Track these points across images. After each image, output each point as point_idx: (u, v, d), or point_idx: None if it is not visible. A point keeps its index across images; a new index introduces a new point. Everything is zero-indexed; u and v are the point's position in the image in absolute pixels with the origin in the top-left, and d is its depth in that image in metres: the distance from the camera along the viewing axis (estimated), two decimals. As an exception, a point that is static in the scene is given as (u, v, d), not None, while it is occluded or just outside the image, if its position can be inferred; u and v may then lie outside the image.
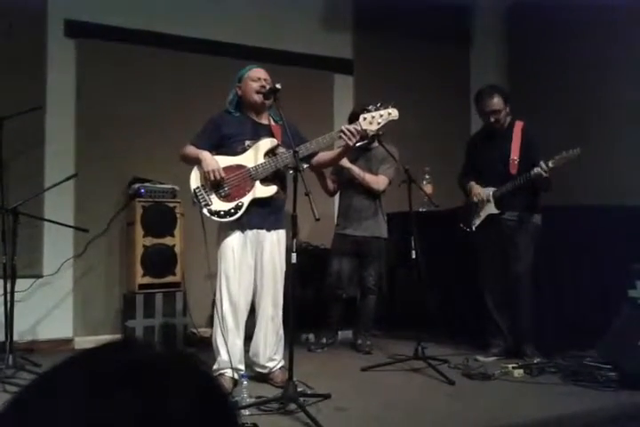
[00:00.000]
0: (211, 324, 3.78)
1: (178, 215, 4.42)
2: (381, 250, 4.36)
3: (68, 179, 3.95)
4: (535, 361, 3.63)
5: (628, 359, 3.22)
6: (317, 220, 2.72)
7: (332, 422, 2.63)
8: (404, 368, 3.65)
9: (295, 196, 2.93)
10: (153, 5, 4.79)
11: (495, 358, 3.89)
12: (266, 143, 3.28)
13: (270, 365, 3.37)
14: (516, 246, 3.86)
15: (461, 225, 4.09)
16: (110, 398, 0.54)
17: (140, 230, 4.32)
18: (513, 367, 3.52)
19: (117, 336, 4.31)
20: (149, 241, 4.34)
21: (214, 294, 3.32)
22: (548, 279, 3.98)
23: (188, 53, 4.90)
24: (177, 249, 4.41)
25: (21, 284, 3.94)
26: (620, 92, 5.06)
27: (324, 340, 4.40)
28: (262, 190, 3.24)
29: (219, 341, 3.22)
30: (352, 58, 5.71)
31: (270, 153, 3.28)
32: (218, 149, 3.30)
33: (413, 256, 3.78)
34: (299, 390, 2.91)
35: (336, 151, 3.48)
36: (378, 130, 3.47)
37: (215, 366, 3.22)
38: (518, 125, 3.94)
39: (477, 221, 4.01)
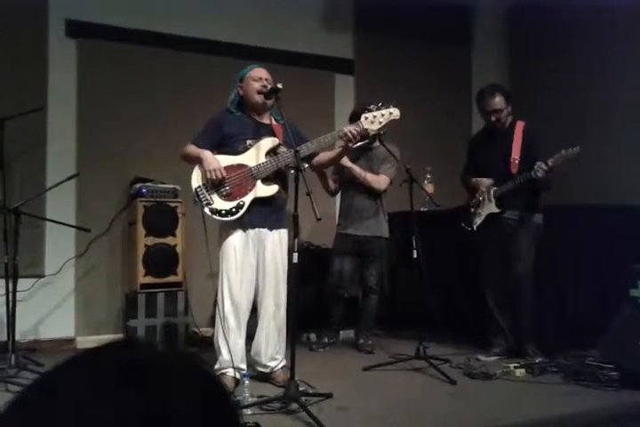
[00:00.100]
0: (212, 323, 3.78)
1: (179, 215, 4.42)
2: (383, 250, 4.36)
3: (69, 178, 3.96)
4: (537, 361, 3.64)
5: (629, 359, 3.22)
6: (319, 219, 2.72)
7: (333, 422, 2.63)
8: (405, 368, 3.65)
9: (296, 195, 2.94)
10: (153, 5, 4.79)
11: (497, 357, 3.89)
12: (267, 143, 3.28)
13: (272, 364, 3.37)
14: (518, 246, 3.86)
15: (462, 224, 4.09)
16: (112, 397, 0.54)
17: (141, 230, 4.32)
18: (514, 367, 3.52)
19: (119, 336, 4.32)
20: (151, 241, 4.35)
21: (216, 294, 3.33)
22: (548, 279, 3.98)
23: (189, 53, 4.90)
24: (178, 249, 4.41)
25: (23, 283, 3.94)
26: (619, 91, 5.06)
27: (326, 339, 4.40)
28: (264, 190, 3.24)
29: (220, 340, 3.22)
30: (353, 58, 5.71)
31: (271, 152, 3.28)
32: (219, 149, 3.31)
33: (415, 256, 3.77)
34: (300, 389, 2.91)
35: (336, 151, 3.48)
36: (379, 129, 3.47)
37: (217, 366, 3.23)
38: (520, 125, 3.95)
39: (478, 221, 4.01)
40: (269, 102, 3.32)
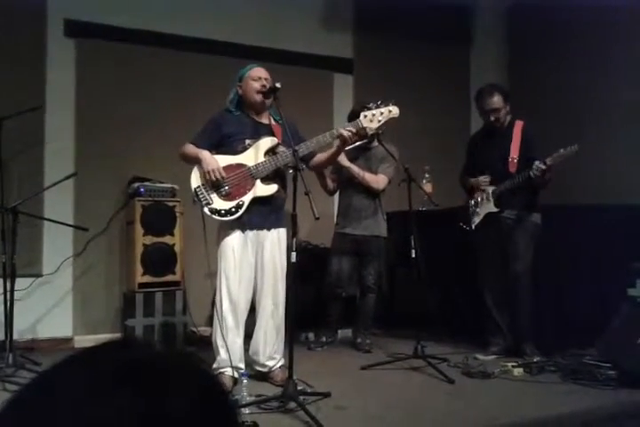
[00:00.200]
0: (210, 323, 3.78)
1: (177, 214, 4.42)
2: (381, 249, 4.36)
3: (67, 178, 3.95)
4: (535, 360, 3.64)
5: (627, 358, 3.22)
6: (317, 219, 2.72)
7: (331, 421, 2.63)
8: (403, 367, 3.65)
9: (295, 195, 2.94)
10: (152, 5, 4.79)
11: (495, 356, 3.89)
12: (266, 142, 3.28)
13: (270, 363, 3.37)
14: (516, 245, 3.86)
15: (461, 224, 4.09)
16: (110, 397, 0.54)
17: (139, 229, 4.32)
18: (512, 366, 3.52)
19: (117, 335, 4.31)
20: (149, 240, 4.34)
21: (214, 293, 3.33)
22: (547, 278, 3.98)
23: (188, 53, 4.90)
24: (177, 248, 4.41)
25: (21, 283, 3.94)
26: (619, 91, 5.06)
27: (324, 338, 4.41)
28: (263, 189, 3.24)
29: (219, 339, 3.22)
30: (352, 57, 5.70)
31: (270, 152, 3.28)
32: (218, 149, 3.31)
33: (413, 255, 3.77)
34: (299, 388, 2.91)
35: (330, 151, 3.47)
36: (378, 128, 3.47)
37: (215, 365, 3.23)
38: (518, 125, 3.95)
39: (477, 220, 4.01)
40: (268, 102, 3.32)
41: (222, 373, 3.20)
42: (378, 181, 4.23)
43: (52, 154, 4.49)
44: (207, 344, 3.46)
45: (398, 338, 4.40)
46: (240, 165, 3.25)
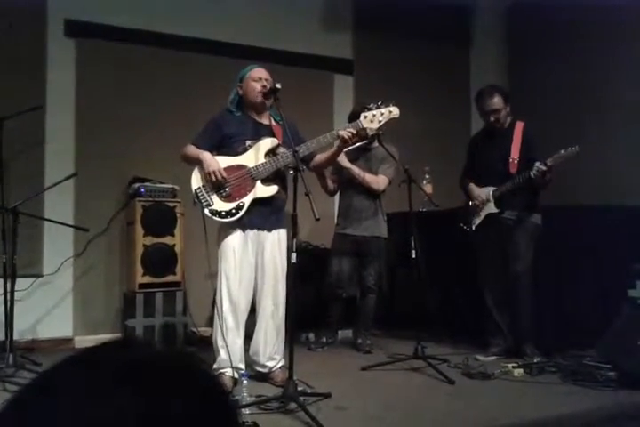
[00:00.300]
0: (211, 323, 3.78)
1: (178, 215, 4.42)
2: (381, 250, 4.36)
3: (67, 178, 3.96)
4: (535, 361, 3.63)
5: (627, 359, 3.22)
6: (317, 219, 2.72)
7: (332, 422, 2.63)
8: (403, 368, 3.65)
9: (295, 195, 2.94)
10: (153, 5, 4.79)
11: (495, 357, 3.89)
12: (266, 143, 3.28)
13: (270, 364, 3.37)
14: (516, 246, 3.86)
15: (461, 224, 4.09)
16: (110, 397, 0.54)
17: (140, 230, 4.32)
18: (513, 367, 3.52)
19: (117, 335, 4.31)
20: (149, 240, 4.34)
21: (214, 294, 3.33)
22: (547, 279, 3.98)
23: (188, 53, 4.90)
24: (177, 248, 4.41)
25: (21, 283, 3.94)
26: (619, 91, 5.06)
27: (325, 339, 4.41)
28: (263, 190, 3.24)
29: (219, 340, 3.22)
30: (352, 58, 5.71)
31: (271, 153, 3.28)
32: (219, 149, 3.31)
33: (413, 256, 3.77)
34: (299, 389, 2.91)
35: (330, 151, 3.46)
36: (379, 128, 3.47)
37: (215, 366, 3.23)
38: (519, 126, 3.95)
39: (477, 221, 4.01)
40: (268, 102, 3.32)
41: (222, 373, 3.20)
42: (378, 181, 4.23)
43: (53, 154, 4.49)
44: (207, 345, 3.46)
45: (398, 339, 4.40)
46: (240, 167, 3.25)
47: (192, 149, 3.29)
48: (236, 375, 3.17)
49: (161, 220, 4.38)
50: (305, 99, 4.99)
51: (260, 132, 3.33)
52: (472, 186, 4.06)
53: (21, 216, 3.65)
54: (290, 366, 2.88)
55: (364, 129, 3.40)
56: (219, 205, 3.21)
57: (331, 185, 4.39)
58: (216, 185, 3.20)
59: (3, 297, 3.59)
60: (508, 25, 6.27)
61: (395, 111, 3.23)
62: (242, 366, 3.26)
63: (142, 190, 4.38)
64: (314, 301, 4.57)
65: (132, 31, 4.72)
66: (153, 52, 4.80)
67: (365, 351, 4.21)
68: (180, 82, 4.85)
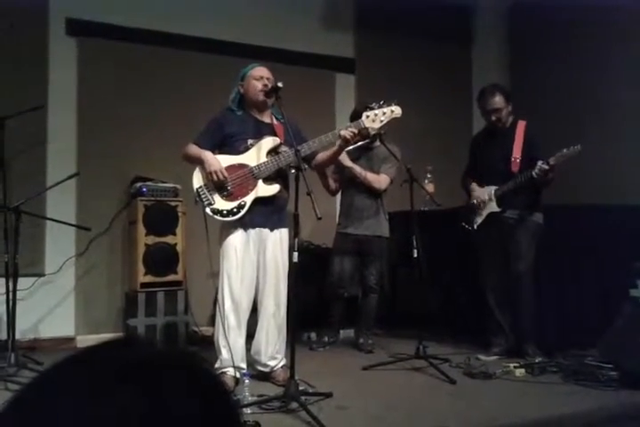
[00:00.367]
0: (212, 322, 3.79)
1: (180, 214, 4.42)
2: (383, 249, 4.36)
3: (70, 177, 3.96)
4: (536, 360, 3.63)
5: (629, 359, 3.22)
6: (319, 219, 2.72)
7: (333, 421, 2.63)
8: (405, 367, 3.65)
9: (297, 195, 2.94)
10: (154, 4, 4.79)
11: (496, 357, 3.88)
12: (268, 142, 3.28)
13: (272, 363, 3.37)
14: (518, 245, 3.86)
15: (463, 224, 4.08)
16: (112, 396, 0.54)
17: (141, 229, 4.33)
18: (514, 367, 3.52)
19: (119, 335, 4.32)
20: (151, 240, 4.35)
21: (216, 293, 3.33)
22: (549, 278, 3.98)
23: (189, 52, 4.90)
24: (179, 248, 4.41)
25: (23, 282, 3.94)
26: (620, 91, 5.05)
27: (326, 339, 4.40)
28: (265, 189, 3.24)
29: (221, 339, 3.22)
30: (354, 57, 5.71)
31: (273, 152, 3.28)
32: (220, 148, 3.31)
33: (415, 255, 3.77)
34: (300, 388, 2.91)
35: (332, 150, 3.45)
36: (380, 128, 3.47)
37: (217, 365, 3.23)
38: (521, 125, 3.95)
39: (479, 220, 4.01)
40: (270, 101, 3.32)
41: (224, 372, 3.21)
42: (380, 180, 4.23)
43: (55, 153, 4.49)
44: (209, 344, 3.46)
45: (400, 338, 4.39)
46: (242, 166, 3.25)
47: (194, 149, 3.29)
48: (238, 375, 3.17)
49: (163, 219, 4.39)
50: (306, 98, 4.98)
51: (262, 130, 3.33)
52: (474, 185, 4.06)
53: (23, 215, 3.66)
54: (291, 365, 2.87)
55: (366, 128, 3.39)
56: (220, 204, 3.21)
57: (332, 184, 4.38)
58: (217, 184, 3.20)
59: (5, 296, 3.59)
60: (509, 25, 6.27)
61: (397, 111, 3.23)
62: (243, 365, 3.26)
63: (144, 190, 4.38)
64: (315, 300, 4.57)
65: (133, 30, 4.72)
66: (154, 51, 4.80)
67: (367, 351, 4.21)
68: (182, 81, 4.85)
